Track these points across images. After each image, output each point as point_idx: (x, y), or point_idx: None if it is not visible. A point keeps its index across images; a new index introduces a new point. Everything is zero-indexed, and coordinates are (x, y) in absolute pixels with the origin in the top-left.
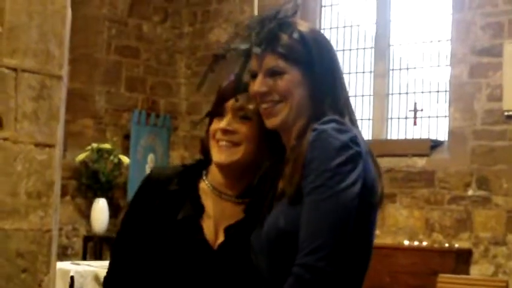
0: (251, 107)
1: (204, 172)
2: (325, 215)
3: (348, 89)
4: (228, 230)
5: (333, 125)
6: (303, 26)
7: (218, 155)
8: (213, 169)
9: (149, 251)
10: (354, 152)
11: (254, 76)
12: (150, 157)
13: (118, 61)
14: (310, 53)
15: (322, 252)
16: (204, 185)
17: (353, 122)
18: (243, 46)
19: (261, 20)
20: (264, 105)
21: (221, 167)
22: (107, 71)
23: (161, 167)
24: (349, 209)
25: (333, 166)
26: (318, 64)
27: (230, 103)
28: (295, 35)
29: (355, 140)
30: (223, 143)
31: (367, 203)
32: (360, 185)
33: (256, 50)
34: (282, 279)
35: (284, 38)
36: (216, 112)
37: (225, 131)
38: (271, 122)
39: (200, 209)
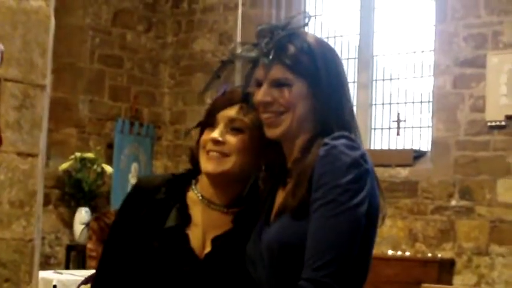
0: (243, 119)
1: (194, 181)
2: (334, 231)
3: (352, 102)
4: (215, 241)
5: (343, 141)
6: (312, 38)
7: (207, 165)
8: (203, 178)
9: (136, 260)
10: (363, 169)
11: (259, 85)
12: (134, 166)
13: (101, 70)
14: (317, 66)
15: (330, 268)
16: (192, 194)
17: (357, 136)
18: (252, 54)
19: (271, 29)
20: (266, 115)
21: (210, 176)
22: (90, 80)
23: (150, 176)
24: (358, 226)
25: (344, 183)
26: (324, 78)
27: (222, 114)
28: (304, 48)
29: (364, 158)
30: (213, 153)
31: (372, 221)
32: (367, 203)
33: (264, 59)
34: None
35: (292, 49)
36: (208, 122)
37: (216, 142)
38: (272, 133)
39: (187, 219)
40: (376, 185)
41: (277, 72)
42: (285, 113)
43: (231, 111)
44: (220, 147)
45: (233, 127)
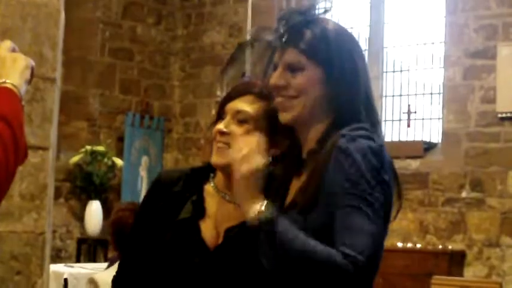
0: (249, 110)
1: (212, 175)
2: (360, 224)
3: (372, 92)
4: (227, 232)
5: (362, 132)
6: (331, 25)
7: (214, 157)
8: (219, 171)
9: (151, 251)
10: (381, 162)
11: (276, 69)
12: (144, 159)
13: (112, 63)
14: (331, 53)
15: (363, 252)
16: (209, 187)
17: (375, 126)
18: (268, 37)
19: (291, 13)
20: (279, 99)
21: (218, 168)
22: (100, 73)
23: (170, 170)
24: (379, 220)
25: (363, 175)
26: (337, 65)
27: (229, 105)
28: (319, 33)
29: (383, 150)
30: (220, 144)
31: (387, 212)
32: (385, 195)
33: (277, 42)
34: None
35: (308, 34)
36: (219, 115)
37: (221, 133)
38: (283, 117)
39: (201, 211)
40: (391, 178)
41: (291, 56)
42: (296, 97)
43: (237, 103)
44: (225, 138)
45: (239, 119)
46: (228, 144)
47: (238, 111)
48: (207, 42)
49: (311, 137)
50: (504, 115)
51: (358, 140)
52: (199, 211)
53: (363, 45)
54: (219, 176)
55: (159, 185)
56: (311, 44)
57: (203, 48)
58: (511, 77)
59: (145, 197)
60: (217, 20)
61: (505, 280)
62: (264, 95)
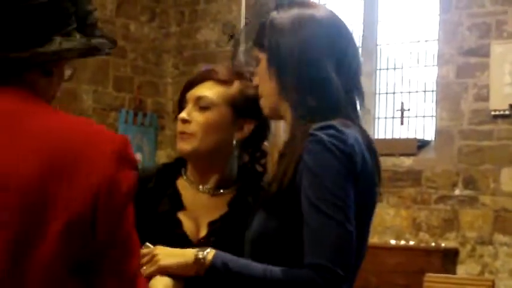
0: (209, 96)
1: (183, 169)
2: (325, 232)
3: (339, 80)
4: (211, 225)
5: (331, 131)
6: (286, 15)
7: (178, 145)
8: (189, 163)
9: None
10: (350, 163)
11: None
12: (137, 156)
13: (105, 60)
14: (270, 41)
15: (332, 261)
16: (182, 181)
17: (351, 116)
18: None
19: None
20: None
21: (185, 157)
22: (94, 70)
23: (144, 167)
24: (347, 220)
25: (329, 177)
26: (275, 52)
27: (190, 93)
28: (266, 24)
29: (351, 150)
30: (183, 133)
31: (365, 210)
32: (354, 198)
33: (243, 45)
34: None
35: (263, 30)
36: (180, 104)
37: (183, 121)
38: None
39: (178, 203)
40: (371, 172)
41: (255, 52)
42: (261, 96)
43: (197, 90)
44: (187, 126)
45: (200, 105)
46: (190, 132)
47: (199, 98)
48: (201, 39)
49: (286, 129)
50: (497, 113)
51: (324, 141)
52: (177, 203)
53: (357, 42)
54: (190, 168)
55: (137, 182)
56: (258, 35)
57: (196, 46)
58: (504, 75)
59: None
60: (211, 18)
61: (498, 278)
62: (225, 80)
